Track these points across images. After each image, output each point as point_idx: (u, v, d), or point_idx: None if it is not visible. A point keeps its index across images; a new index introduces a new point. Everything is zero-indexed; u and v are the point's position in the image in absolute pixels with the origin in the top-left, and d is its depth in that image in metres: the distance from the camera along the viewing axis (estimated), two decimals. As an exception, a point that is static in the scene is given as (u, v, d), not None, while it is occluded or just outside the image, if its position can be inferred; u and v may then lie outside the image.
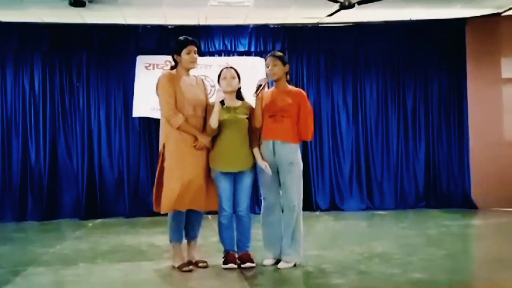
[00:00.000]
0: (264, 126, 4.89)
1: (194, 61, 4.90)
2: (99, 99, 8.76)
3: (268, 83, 4.99)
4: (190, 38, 4.93)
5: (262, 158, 4.85)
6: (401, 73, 9.23)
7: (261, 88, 4.84)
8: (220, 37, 8.99)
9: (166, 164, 4.74)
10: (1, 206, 8.42)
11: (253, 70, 8.33)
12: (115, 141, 8.78)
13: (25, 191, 8.50)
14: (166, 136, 4.80)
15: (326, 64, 9.19)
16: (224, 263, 4.88)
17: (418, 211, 8.75)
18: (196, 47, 4.92)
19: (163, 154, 4.79)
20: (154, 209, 4.91)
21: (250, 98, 4.97)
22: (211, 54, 8.95)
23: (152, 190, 4.98)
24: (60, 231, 7.70)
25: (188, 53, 4.85)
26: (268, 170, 4.78)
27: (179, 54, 4.87)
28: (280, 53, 5.10)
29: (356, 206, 8.99)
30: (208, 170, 4.87)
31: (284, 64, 4.96)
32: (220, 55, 9.01)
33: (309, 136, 5.03)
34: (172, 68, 5.00)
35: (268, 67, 4.97)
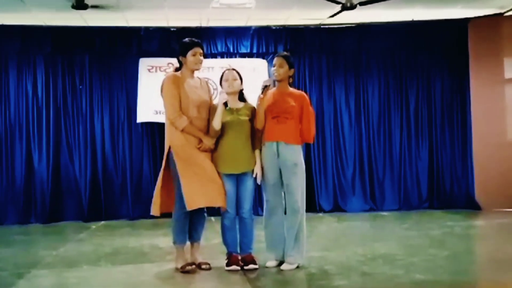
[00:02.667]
0: (267, 127, 4.89)
1: (199, 63, 4.90)
2: (102, 102, 8.77)
3: (274, 83, 5.00)
4: (196, 40, 4.93)
5: (262, 162, 4.88)
6: (403, 74, 9.21)
7: (266, 88, 4.85)
8: (222, 39, 8.98)
9: (177, 168, 4.71)
10: (4, 208, 8.42)
11: (255, 72, 8.35)
12: (118, 143, 8.78)
13: (29, 193, 8.50)
14: (170, 138, 4.81)
15: (328, 65, 9.18)
16: (227, 265, 4.88)
17: (421, 212, 8.73)
18: (202, 49, 4.92)
19: (167, 158, 4.79)
20: (153, 212, 4.87)
21: (253, 99, 4.97)
22: (213, 56, 8.93)
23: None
24: (63, 234, 7.71)
25: (194, 55, 4.85)
26: (258, 179, 4.87)
27: (184, 55, 4.87)
28: (288, 54, 5.11)
29: (359, 207, 8.98)
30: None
31: (290, 67, 4.98)
32: (222, 57, 8.99)
33: (311, 138, 5.05)
34: (176, 69, 4.99)
35: (274, 67, 4.99)
